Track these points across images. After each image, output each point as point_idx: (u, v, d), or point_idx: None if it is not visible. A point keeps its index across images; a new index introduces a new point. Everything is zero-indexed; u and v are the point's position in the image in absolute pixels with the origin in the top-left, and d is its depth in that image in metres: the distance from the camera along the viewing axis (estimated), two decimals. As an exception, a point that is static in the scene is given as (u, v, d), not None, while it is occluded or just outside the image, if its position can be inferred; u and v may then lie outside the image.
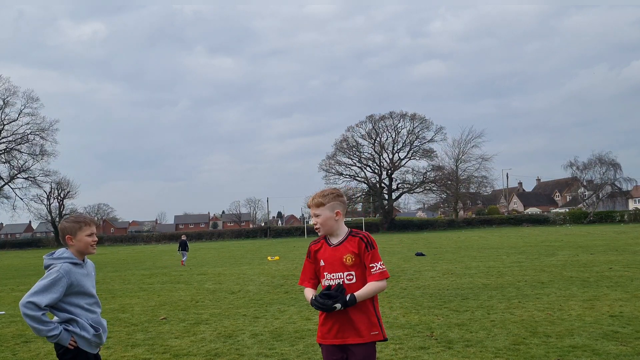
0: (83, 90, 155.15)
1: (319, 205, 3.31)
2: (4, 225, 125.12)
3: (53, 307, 3.33)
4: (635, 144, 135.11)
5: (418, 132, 66.90)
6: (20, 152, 66.76)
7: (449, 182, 69.77)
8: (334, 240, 3.32)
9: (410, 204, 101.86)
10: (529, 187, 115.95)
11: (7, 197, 67.14)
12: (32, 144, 66.84)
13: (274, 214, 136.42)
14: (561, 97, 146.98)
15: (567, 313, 7.91)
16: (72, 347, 3.36)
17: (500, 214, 75.47)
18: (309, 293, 3.33)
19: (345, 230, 3.34)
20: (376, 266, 3.18)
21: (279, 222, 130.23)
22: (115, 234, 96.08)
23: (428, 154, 67.23)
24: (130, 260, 30.05)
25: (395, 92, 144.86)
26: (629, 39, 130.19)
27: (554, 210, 79.56)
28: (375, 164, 68.75)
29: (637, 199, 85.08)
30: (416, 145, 67.38)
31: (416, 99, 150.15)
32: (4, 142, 66.37)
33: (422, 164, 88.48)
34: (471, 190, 78.03)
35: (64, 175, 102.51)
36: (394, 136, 67.38)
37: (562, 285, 10.88)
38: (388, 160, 68.25)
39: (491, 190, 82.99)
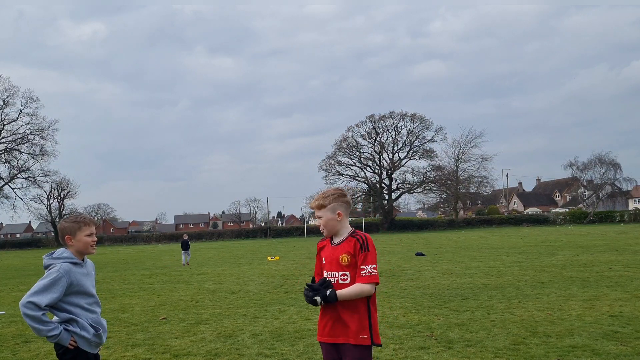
0: (83, 90, 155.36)
1: (320, 207, 3.32)
2: (4, 225, 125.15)
3: (53, 307, 3.33)
4: (635, 144, 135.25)
5: (418, 132, 66.99)
6: (20, 152, 66.83)
7: (449, 182, 69.78)
8: (336, 240, 3.34)
9: (410, 204, 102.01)
10: (529, 187, 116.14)
11: (7, 197, 67.21)
12: (32, 144, 66.94)
13: (274, 214, 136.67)
14: (561, 97, 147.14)
15: (567, 313, 7.91)
16: (72, 347, 3.36)
17: (500, 214, 75.46)
18: None
19: (348, 230, 3.34)
20: (367, 269, 3.16)
21: (279, 222, 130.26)
22: (115, 234, 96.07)
23: (428, 154, 67.27)
24: (130, 260, 30.05)
25: (395, 92, 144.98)
26: (629, 39, 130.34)
27: (554, 210, 79.58)
28: (375, 164, 68.79)
29: (637, 199, 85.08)
30: (416, 145, 67.45)
31: (416, 99, 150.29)
32: (4, 142, 66.41)
33: (422, 164, 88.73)
34: (471, 190, 78.03)
35: (64, 175, 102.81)
36: (394, 136, 67.47)
37: (562, 285, 10.88)
38: (388, 160, 68.28)
39: (491, 190, 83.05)
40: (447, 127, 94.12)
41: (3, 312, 10.54)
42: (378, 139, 67.58)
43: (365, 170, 69.10)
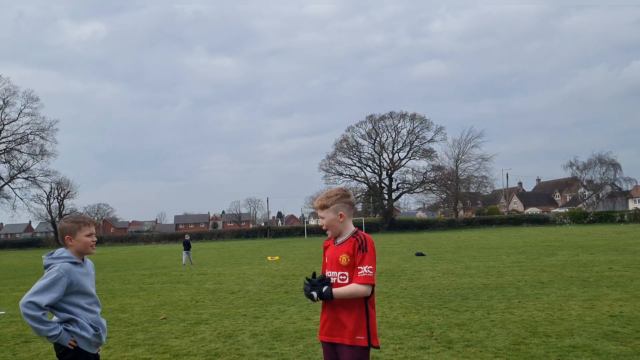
0: (83, 90, 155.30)
1: (323, 207, 3.33)
2: (4, 225, 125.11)
3: (53, 307, 3.33)
4: (635, 144, 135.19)
5: (418, 132, 66.96)
6: (20, 152, 66.77)
7: (449, 182, 69.78)
8: (339, 240, 3.35)
9: (410, 204, 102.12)
10: (529, 187, 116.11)
11: (7, 197, 67.14)
12: (32, 144, 66.86)
13: (274, 214, 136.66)
14: (561, 97, 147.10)
15: (567, 313, 7.91)
16: (72, 347, 3.35)
17: (500, 214, 75.43)
18: None
19: (350, 230, 3.34)
20: (363, 269, 3.15)
21: (279, 222, 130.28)
22: (115, 234, 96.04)
23: (428, 154, 67.24)
24: (130, 260, 30.05)
25: (395, 92, 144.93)
26: (629, 39, 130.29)
27: (554, 210, 79.59)
28: (375, 164, 68.78)
29: (637, 199, 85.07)
30: (416, 145, 67.42)
31: (416, 99, 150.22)
32: (4, 142, 66.36)
33: (422, 164, 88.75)
34: (471, 190, 78.05)
35: (64, 175, 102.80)
36: (394, 136, 67.44)
37: (562, 285, 10.88)
38: (388, 160, 68.26)
39: (491, 190, 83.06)
40: (447, 127, 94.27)
41: (3, 312, 10.54)
42: (378, 139, 67.63)
43: (365, 170, 69.18)
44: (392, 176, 68.44)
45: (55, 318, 3.38)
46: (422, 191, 70.11)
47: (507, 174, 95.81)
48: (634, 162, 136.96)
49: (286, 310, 9.34)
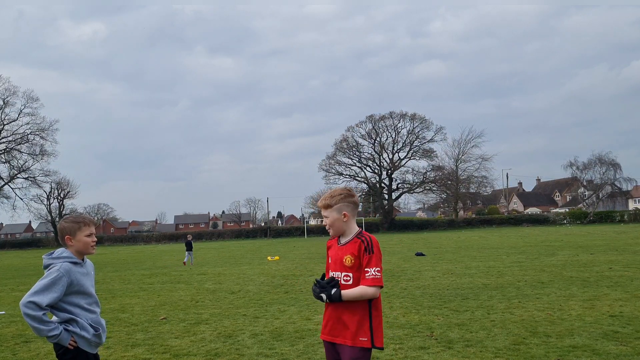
0: (83, 90, 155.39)
1: (326, 207, 3.32)
2: (4, 225, 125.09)
3: (53, 307, 3.33)
4: (635, 144, 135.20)
5: (418, 132, 66.92)
6: (20, 152, 66.75)
7: (449, 182, 69.76)
8: (342, 240, 3.34)
9: (410, 204, 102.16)
10: (529, 187, 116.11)
11: (7, 197, 67.12)
12: (32, 144, 66.85)
13: (274, 214, 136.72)
14: (561, 97, 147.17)
15: (567, 313, 7.91)
16: (72, 347, 3.35)
17: (500, 214, 75.43)
18: None
19: (354, 231, 3.32)
20: (371, 271, 3.14)
21: (279, 222, 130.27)
22: (115, 234, 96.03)
23: (428, 154, 67.21)
24: (130, 260, 30.04)
25: (395, 92, 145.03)
26: (629, 39, 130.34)
27: (554, 210, 79.57)
28: (375, 164, 68.75)
29: (637, 199, 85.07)
30: (416, 145, 67.39)
31: (416, 99, 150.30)
32: (4, 142, 66.35)
33: (422, 164, 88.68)
34: (471, 190, 78.04)
35: (64, 175, 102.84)
36: (394, 136, 67.41)
37: (562, 285, 10.88)
38: (388, 160, 68.24)
39: (491, 190, 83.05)
40: (447, 127, 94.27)
41: (3, 312, 10.53)
42: (378, 139, 67.60)
43: (365, 170, 69.14)
44: (392, 176, 68.44)
45: (55, 318, 3.38)
46: (422, 191, 70.10)
47: (507, 174, 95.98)
48: (634, 162, 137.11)
49: (286, 310, 9.34)
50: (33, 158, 66.64)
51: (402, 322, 7.77)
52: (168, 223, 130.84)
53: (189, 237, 24.57)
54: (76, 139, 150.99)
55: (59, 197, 74.20)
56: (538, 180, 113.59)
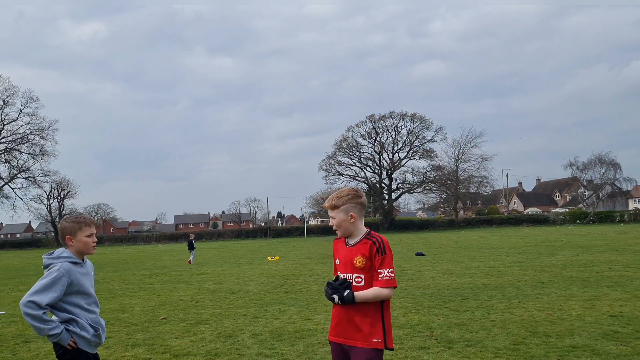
0: (83, 90, 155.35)
1: (333, 207, 3.28)
2: (4, 225, 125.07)
3: (53, 307, 3.33)
4: (635, 144, 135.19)
5: (418, 132, 66.92)
6: (20, 152, 66.74)
7: (449, 182, 69.76)
8: (351, 241, 3.30)
9: (410, 204, 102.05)
10: (529, 187, 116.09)
11: (7, 197, 67.11)
12: (32, 144, 66.84)
13: (274, 214, 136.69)
14: (561, 97, 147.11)
15: (567, 313, 7.91)
16: (72, 348, 3.36)
17: (500, 214, 75.43)
18: None
19: (362, 231, 3.29)
20: (384, 272, 3.11)
21: (279, 222, 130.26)
22: (115, 234, 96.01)
23: (428, 154, 67.21)
24: (130, 260, 30.04)
25: (395, 92, 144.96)
26: (629, 39, 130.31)
27: (554, 210, 79.56)
28: (375, 164, 68.77)
29: (637, 199, 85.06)
30: (416, 145, 67.39)
31: (416, 99, 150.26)
32: (4, 142, 66.34)
33: (422, 164, 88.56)
34: (471, 190, 78.01)
35: (64, 175, 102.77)
36: (394, 136, 67.41)
37: (562, 285, 10.88)
38: (388, 160, 68.25)
39: (491, 190, 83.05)
40: (447, 127, 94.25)
41: (3, 312, 10.53)
42: (378, 139, 67.60)
43: (365, 170, 69.15)
44: (392, 176, 68.44)
45: (55, 318, 3.38)
46: (422, 191, 70.12)
47: (507, 174, 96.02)
48: (634, 162, 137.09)
49: (286, 310, 9.34)
50: (33, 158, 66.73)
51: (402, 322, 7.77)
52: (168, 223, 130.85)
53: (191, 237, 24.58)
54: (76, 139, 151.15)
55: (59, 197, 74.25)
56: (538, 180, 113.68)
